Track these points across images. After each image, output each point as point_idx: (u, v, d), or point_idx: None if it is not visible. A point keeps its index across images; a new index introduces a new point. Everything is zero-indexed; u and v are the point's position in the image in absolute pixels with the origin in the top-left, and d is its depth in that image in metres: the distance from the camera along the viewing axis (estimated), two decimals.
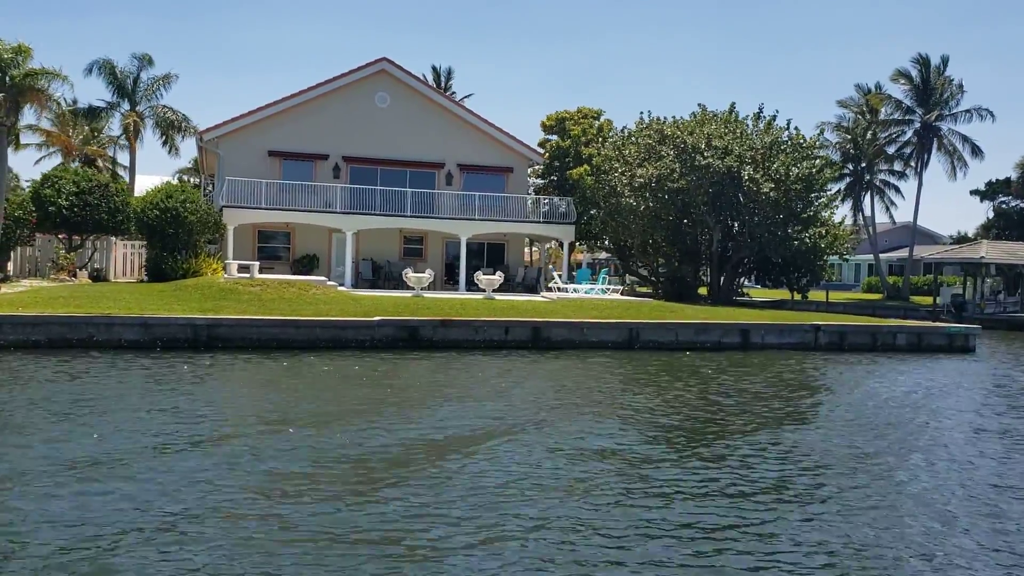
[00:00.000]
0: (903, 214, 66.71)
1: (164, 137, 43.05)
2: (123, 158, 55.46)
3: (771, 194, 33.61)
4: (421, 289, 28.55)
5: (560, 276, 35.06)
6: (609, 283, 35.10)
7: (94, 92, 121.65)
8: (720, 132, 35.34)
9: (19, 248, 30.54)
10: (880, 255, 62.72)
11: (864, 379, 21.06)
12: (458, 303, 26.42)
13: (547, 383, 18.28)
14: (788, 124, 36.88)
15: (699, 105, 37.74)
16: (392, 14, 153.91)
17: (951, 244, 66.71)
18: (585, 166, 40.33)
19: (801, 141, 36.11)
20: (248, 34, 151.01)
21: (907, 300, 53.91)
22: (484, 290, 29.22)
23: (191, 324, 21.98)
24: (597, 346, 25.45)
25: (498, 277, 29.94)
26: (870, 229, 57.85)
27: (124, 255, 33.49)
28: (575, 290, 31.28)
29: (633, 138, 38.81)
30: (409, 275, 28.81)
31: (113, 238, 32.43)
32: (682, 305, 30.49)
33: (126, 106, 42.10)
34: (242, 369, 19.04)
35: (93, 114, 42.92)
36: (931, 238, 77.50)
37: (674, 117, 37.79)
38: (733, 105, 38.07)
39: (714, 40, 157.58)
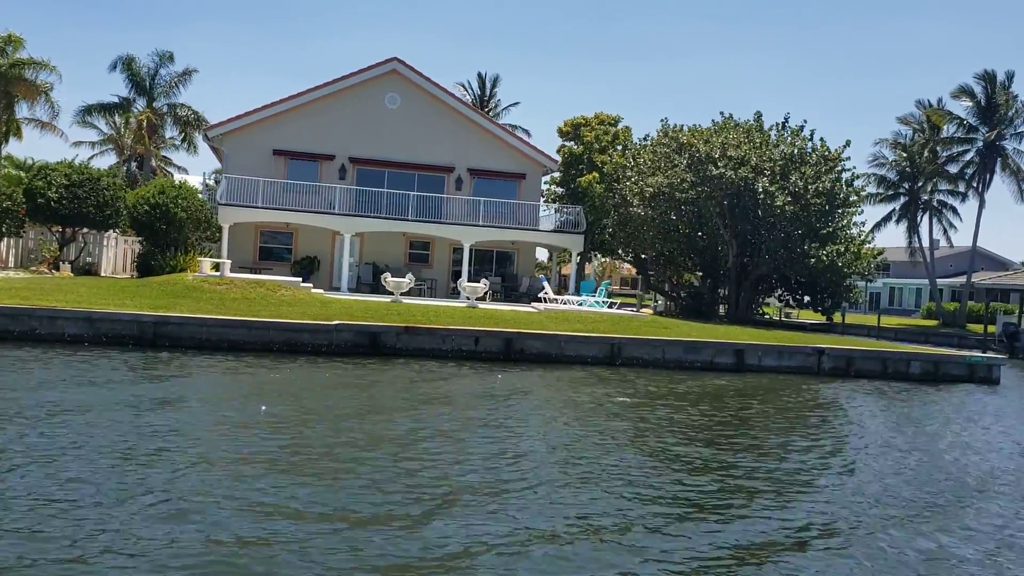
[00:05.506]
0: (963, 237, 63.15)
1: (183, 135, 43.02)
2: (179, 159, 56.00)
3: (787, 208, 31.42)
4: (401, 294, 27.43)
5: (554, 287, 33.53)
6: (608, 296, 33.40)
7: (119, 90, 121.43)
8: (738, 141, 33.28)
9: (9, 239, 30.45)
10: (941, 280, 59.34)
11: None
12: (432, 310, 25.20)
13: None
14: (811, 135, 34.63)
15: (720, 113, 35.92)
16: (443, 19, 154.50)
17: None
18: (595, 173, 38.71)
19: (826, 153, 33.76)
20: (303, 44, 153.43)
21: (963, 327, 50.74)
22: (468, 297, 27.96)
23: (137, 321, 21.24)
24: (575, 361, 23.98)
25: (483, 285, 28.60)
26: (926, 252, 54.57)
27: (123, 250, 33.30)
28: (566, 301, 29.75)
29: (652, 147, 37.03)
30: (388, 279, 27.71)
31: (113, 233, 32.23)
32: (677, 321, 28.75)
33: (143, 103, 42.10)
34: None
35: (108, 110, 43.07)
36: (1002, 264, 73.35)
37: (693, 125, 35.82)
38: (759, 115, 35.90)
39: (779, 59, 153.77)
